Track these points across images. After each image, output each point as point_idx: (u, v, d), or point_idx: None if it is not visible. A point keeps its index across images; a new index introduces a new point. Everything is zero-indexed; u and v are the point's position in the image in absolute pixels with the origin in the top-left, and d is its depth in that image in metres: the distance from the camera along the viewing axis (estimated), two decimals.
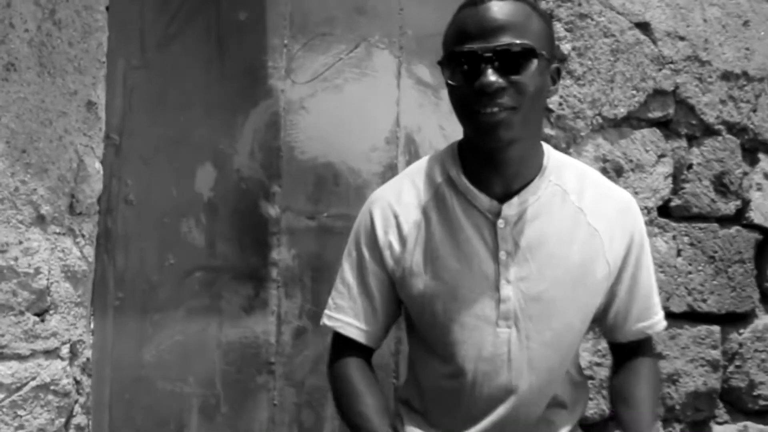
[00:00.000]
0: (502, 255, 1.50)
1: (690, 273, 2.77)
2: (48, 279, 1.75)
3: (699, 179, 2.82)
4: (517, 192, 1.50)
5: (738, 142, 2.93)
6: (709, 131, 2.85)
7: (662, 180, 2.71)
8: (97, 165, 1.86)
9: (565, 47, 2.51)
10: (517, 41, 1.39)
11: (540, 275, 1.50)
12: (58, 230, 1.78)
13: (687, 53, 2.78)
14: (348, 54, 2.32)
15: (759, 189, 3.00)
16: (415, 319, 1.60)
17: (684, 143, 2.80)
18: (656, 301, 1.64)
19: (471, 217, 1.52)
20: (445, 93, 2.32)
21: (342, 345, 1.63)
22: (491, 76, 1.37)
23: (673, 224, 2.76)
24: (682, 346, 2.76)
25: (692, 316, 2.80)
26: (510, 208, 1.50)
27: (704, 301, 2.81)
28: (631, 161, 2.65)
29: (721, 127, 2.87)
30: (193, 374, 2.11)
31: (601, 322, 1.65)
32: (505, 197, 1.50)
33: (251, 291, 2.19)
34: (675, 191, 2.78)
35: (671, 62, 2.74)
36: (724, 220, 2.89)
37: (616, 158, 2.61)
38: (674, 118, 2.77)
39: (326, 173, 2.27)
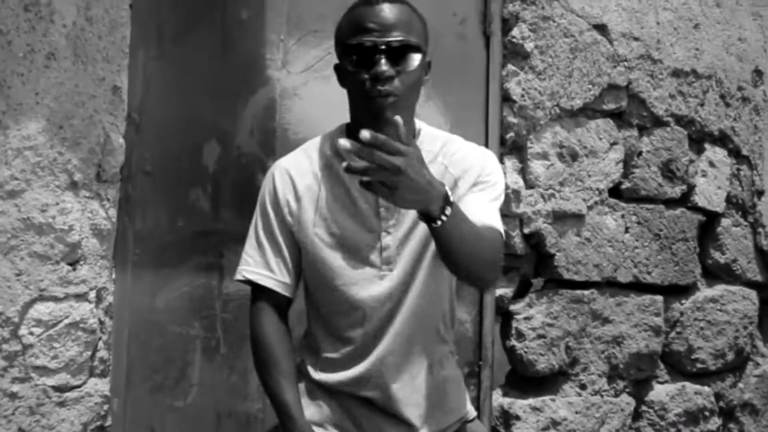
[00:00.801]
0: (383, 211, 1.70)
1: (636, 248, 3.06)
2: (79, 235, 2.05)
3: (648, 165, 3.10)
4: None
5: (685, 133, 3.20)
6: (659, 122, 3.12)
7: (614, 165, 3.00)
8: (121, 140, 2.13)
9: (529, 45, 2.79)
10: (405, 38, 1.63)
11: (413, 223, 1.68)
12: (87, 194, 2.07)
13: (640, 52, 3.06)
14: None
15: (704, 175, 3.29)
16: (310, 270, 1.76)
17: (635, 133, 3.08)
18: (490, 209, 1.70)
19: (356, 181, 1.59)
20: None
21: (262, 297, 1.78)
22: (384, 66, 1.60)
23: (623, 204, 3.03)
24: (627, 312, 3.04)
25: (637, 287, 3.07)
26: None
27: (649, 273, 3.10)
28: (585, 148, 2.93)
29: (669, 119, 3.15)
30: (198, 320, 2.30)
31: None
32: None
33: None
34: (625, 175, 3.05)
35: (625, 60, 3.02)
36: (670, 203, 3.17)
37: (572, 145, 2.89)
38: (626, 110, 3.05)
39: None
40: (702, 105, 3.26)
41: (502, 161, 2.77)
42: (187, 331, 2.32)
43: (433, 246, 1.66)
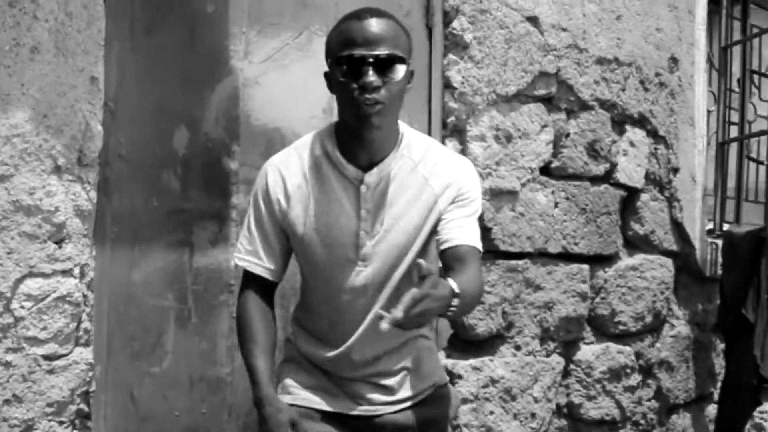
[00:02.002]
0: (363, 213, 1.82)
1: (565, 221, 3.27)
2: (64, 215, 2.16)
3: (575, 146, 3.30)
4: (377, 163, 1.81)
5: (608, 116, 3.41)
6: (585, 106, 3.32)
7: (544, 146, 3.19)
8: (99, 127, 2.24)
9: (468, 37, 2.95)
10: (392, 51, 1.72)
11: (390, 228, 1.82)
12: (70, 178, 2.18)
13: (568, 42, 3.25)
14: (294, 40, 2.61)
15: (625, 154, 3.50)
16: (300, 258, 1.90)
17: (563, 116, 3.27)
18: (468, 226, 1.83)
19: (341, 183, 1.82)
20: None
21: (250, 281, 1.91)
22: (372, 77, 1.70)
23: (552, 182, 3.22)
24: (557, 280, 3.24)
25: (566, 257, 3.27)
26: (371, 177, 1.81)
27: (576, 244, 3.31)
28: (519, 130, 3.11)
29: (594, 103, 3.35)
30: (171, 292, 2.41)
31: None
32: (368, 167, 1.81)
33: (216, 228, 2.49)
34: (555, 155, 3.24)
35: (555, 49, 3.21)
36: (595, 179, 3.37)
37: (507, 128, 3.07)
38: (556, 95, 3.23)
39: (275, 136, 2.54)
40: (623, 90, 3.46)
41: (443, 143, 2.92)
42: (161, 303, 2.42)
43: (411, 247, 1.83)
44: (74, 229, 2.21)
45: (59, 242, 2.19)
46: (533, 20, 3.15)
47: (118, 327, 2.35)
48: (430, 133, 2.92)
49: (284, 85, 2.62)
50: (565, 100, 3.27)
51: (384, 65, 1.73)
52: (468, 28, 2.96)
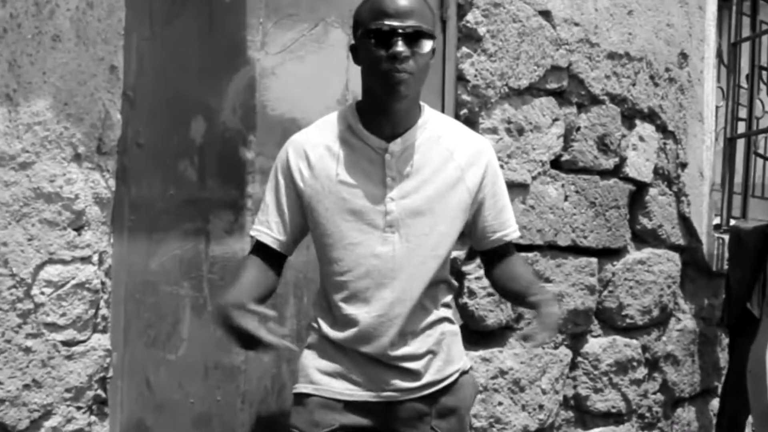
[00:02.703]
0: (389, 180, 1.87)
1: (574, 215, 3.27)
2: (84, 203, 2.19)
3: (585, 139, 3.30)
4: (401, 134, 1.87)
5: (618, 110, 3.41)
6: (595, 101, 3.32)
7: (555, 139, 3.20)
8: (118, 116, 2.25)
9: (481, 30, 2.95)
10: (420, 24, 1.79)
11: (416, 194, 1.87)
12: (90, 166, 2.20)
13: (580, 36, 3.25)
14: (309, 31, 2.60)
15: (634, 149, 3.50)
16: (321, 233, 1.90)
17: (574, 110, 3.27)
18: (510, 216, 2.02)
19: (365, 153, 1.88)
20: None
21: (257, 250, 1.96)
22: (402, 47, 1.76)
23: (563, 175, 3.23)
24: (566, 273, 3.25)
25: (575, 250, 3.27)
26: (395, 146, 1.86)
27: (585, 237, 3.31)
28: (530, 123, 3.11)
29: (605, 97, 3.35)
30: (187, 280, 2.40)
31: (472, 235, 2.03)
32: (392, 138, 1.87)
33: (231, 217, 2.47)
34: (565, 148, 3.24)
35: (567, 44, 3.21)
36: (604, 173, 3.37)
37: (519, 121, 3.07)
38: (567, 89, 3.23)
39: (291, 126, 2.45)
40: (634, 85, 3.46)
41: None
42: (178, 291, 2.42)
43: (438, 215, 1.89)
44: (93, 217, 2.23)
45: (78, 229, 2.21)
46: (546, 14, 3.16)
47: (135, 314, 2.37)
48: None
49: (300, 76, 2.62)
50: (576, 94, 3.27)
51: (413, 38, 1.79)
52: (482, 21, 2.97)
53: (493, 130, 3.02)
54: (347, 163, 1.89)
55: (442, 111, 2.92)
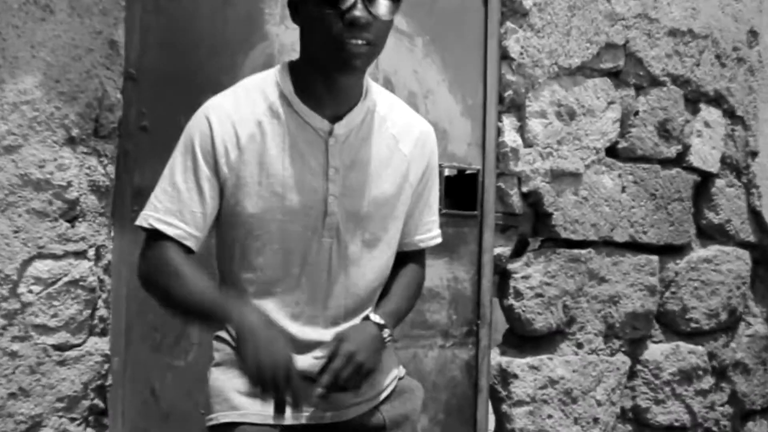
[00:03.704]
0: (331, 172, 1.53)
1: (633, 207, 3.06)
2: (78, 191, 2.03)
3: (644, 125, 3.09)
4: (345, 114, 1.54)
5: (681, 93, 3.18)
6: (655, 82, 3.10)
7: (611, 124, 2.98)
8: (118, 95, 2.11)
9: (527, 3, 2.75)
10: None
11: (360, 193, 1.56)
12: (85, 150, 2.05)
13: (638, 11, 3.02)
14: None
15: (699, 135, 3.27)
16: (239, 229, 1.54)
17: (632, 92, 3.06)
18: (435, 219, 1.72)
19: (304, 134, 1.52)
20: (420, 41, 2.63)
21: (164, 245, 1.51)
22: (362, 11, 1.42)
23: (619, 164, 3.02)
24: (623, 272, 3.04)
25: (633, 246, 3.07)
26: (340, 128, 1.53)
27: (645, 233, 3.09)
28: (583, 107, 2.91)
29: (666, 78, 3.12)
30: None
31: None
32: (334, 119, 1.53)
33: None
34: (622, 134, 3.03)
35: (623, 19, 2.99)
36: (666, 162, 3.16)
37: (570, 103, 2.87)
38: (624, 69, 3.02)
39: None
40: (698, 65, 3.24)
41: (500, 119, 2.76)
42: None
43: (385, 225, 1.60)
44: (89, 207, 2.09)
45: (72, 221, 2.08)
46: None
47: (139, 316, 2.22)
48: (485, 109, 2.77)
49: None
50: (634, 74, 3.08)
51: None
52: None
53: (542, 114, 2.84)
54: (283, 147, 1.52)
55: (484, 93, 2.79)
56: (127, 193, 2.19)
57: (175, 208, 1.51)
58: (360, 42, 1.44)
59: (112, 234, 2.13)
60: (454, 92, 2.69)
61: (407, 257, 1.69)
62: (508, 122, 2.78)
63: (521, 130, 2.79)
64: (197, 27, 2.29)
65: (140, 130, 2.21)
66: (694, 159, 3.27)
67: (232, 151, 1.50)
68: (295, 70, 1.56)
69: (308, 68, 1.53)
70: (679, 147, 3.21)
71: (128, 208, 2.18)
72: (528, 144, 2.78)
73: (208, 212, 1.52)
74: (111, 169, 2.11)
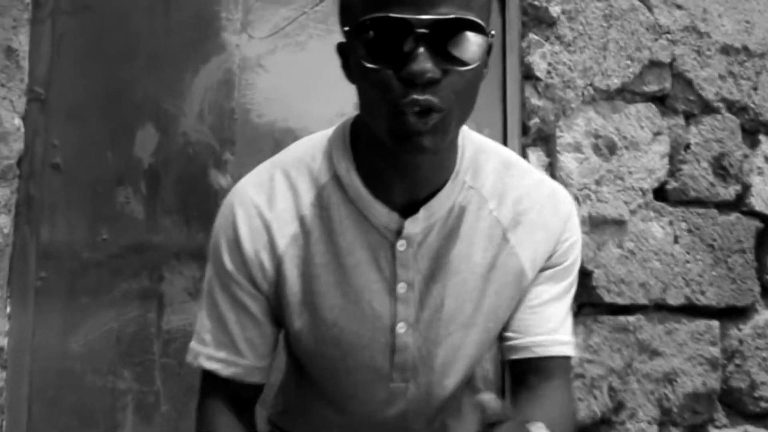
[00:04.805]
0: (401, 288, 1.17)
1: (688, 262, 2.58)
2: None
3: (697, 160, 2.63)
4: (424, 201, 1.15)
5: (738, 122, 2.75)
6: (708, 109, 2.67)
7: (658, 160, 2.53)
8: (17, 121, 1.73)
9: (555, 10, 2.33)
10: (460, 13, 0.99)
11: (448, 315, 1.19)
12: None
13: (685, 23, 2.60)
14: (313, 8, 2.15)
15: (760, 173, 2.83)
16: (298, 355, 1.28)
17: (681, 121, 2.63)
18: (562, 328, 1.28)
19: (363, 235, 1.17)
20: None
21: (219, 390, 1.25)
22: (425, 62, 0.97)
23: (670, 209, 2.57)
24: (679, 342, 2.58)
25: (690, 310, 2.62)
26: (415, 225, 1.15)
27: (703, 293, 2.62)
28: (625, 138, 2.47)
29: (720, 104, 2.69)
30: (129, 367, 1.91)
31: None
32: (408, 208, 1.15)
33: (197, 272, 1.99)
34: (671, 173, 2.59)
35: (668, 32, 2.56)
36: (723, 206, 2.72)
37: (609, 134, 2.42)
38: (671, 93, 2.60)
39: (286, 139, 2.00)
40: (755, 89, 2.80)
41: (525, 154, 2.32)
42: (114, 383, 1.89)
43: (483, 347, 1.21)
44: None
45: None
46: None
47: (46, 420, 1.84)
48: (505, 142, 2.33)
49: (299, 69, 2.12)
50: (683, 99, 2.65)
51: (445, 38, 0.99)
52: None
53: (576, 147, 2.39)
54: (332, 254, 1.17)
55: (504, 122, 2.37)
56: (30, 254, 1.82)
57: (226, 339, 1.20)
58: (425, 108, 0.98)
59: (8, 311, 1.71)
60: (467, 120, 2.22)
61: (541, 376, 1.24)
62: (535, 158, 2.35)
63: (551, 167, 2.36)
64: (129, 32, 1.93)
65: (51, 169, 1.84)
66: (755, 201, 2.80)
67: (267, 264, 1.18)
68: (356, 138, 1.17)
69: (368, 139, 1.13)
70: (738, 187, 2.75)
71: (33, 275, 1.82)
72: (560, 184, 2.30)
73: (264, 330, 1.22)
74: (5, 221, 1.70)
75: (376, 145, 1.10)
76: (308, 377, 1.27)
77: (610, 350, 2.39)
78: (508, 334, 1.22)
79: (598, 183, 2.39)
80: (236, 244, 1.17)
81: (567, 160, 2.33)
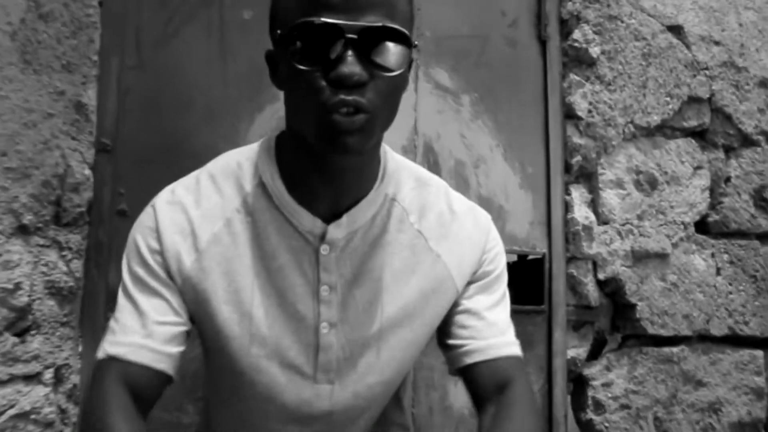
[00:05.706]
0: (324, 291, 1.15)
1: (731, 293, 2.54)
2: (29, 296, 1.56)
3: (738, 193, 2.59)
4: (347, 209, 1.15)
5: None
6: (748, 142, 2.62)
7: (699, 193, 2.49)
8: (87, 171, 1.69)
9: (594, 50, 2.30)
10: (387, 21, 1.01)
11: (369, 316, 1.17)
12: (41, 242, 1.59)
13: (722, 59, 2.57)
14: None
15: None
16: (213, 356, 1.20)
17: (721, 154, 2.58)
18: (505, 332, 1.26)
19: (287, 240, 1.15)
20: (467, 99, 2.17)
21: (120, 375, 1.10)
22: (353, 65, 0.99)
23: (712, 241, 2.52)
24: (723, 372, 2.52)
25: (734, 340, 2.55)
26: (338, 230, 1.14)
27: (746, 323, 2.56)
28: (665, 173, 2.43)
29: (760, 137, 2.64)
30: (192, 403, 1.81)
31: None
32: (332, 215, 1.14)
33: None
34: (712, 206, 2.55)
35: (706, 68, 2.53)
36: (765, 237, 2.65)
37: (650, 170, 2.38)
38: (710, 128, 2.55)
39: None
40: None
41: (567, 192, 2.28)
42: (179, 419, 1.81)
43: (405, 353, 1.18)
44: (46, 315, 1.62)
45: (21, 334, 1.58)
46: (676, 30, 2.49)
47: None
48: (549, 179, 2.29)
49: None
50: (722, 133, 2.59)
51: (372, 44, 1.01)
52: (594, 39, 2.33)
53: (618, 184, 2.35)
54: (257, 257, 1.14)
55: (547, 160, 2.32)
56: (100, 296, 1.74)
57: (132, 323, 1.11)
58: (353, 109, 0.99)
59: (80, 350, 1.66)
60: (510, 160, 2.21)
61: (500, 384, 1.20)
62: (578, 195, 2.30)
63: (593, 203, 2.32)
64: (189, 85, 1.86)
65: (118, 216, 1.79)
66: None
67: (185, 257, 1.12)
68: (281, 147, 1.16)
69: (292, 146, 1.13)
70: None
71: (101, 316, 1.73)
72: (603, 221, 2.28)
73: (179, 321, 1.12)
74: (77, 265, 1.65)
75: (302, 152, 1.10)
76: (230, 378, 1.18)
77: (654, 381, 2.36)
78: (457, 342, 1.20)
79: (640, 218, 2.36)
80: (155, 233, 1.14)
81: (609, 197, 2.31)
